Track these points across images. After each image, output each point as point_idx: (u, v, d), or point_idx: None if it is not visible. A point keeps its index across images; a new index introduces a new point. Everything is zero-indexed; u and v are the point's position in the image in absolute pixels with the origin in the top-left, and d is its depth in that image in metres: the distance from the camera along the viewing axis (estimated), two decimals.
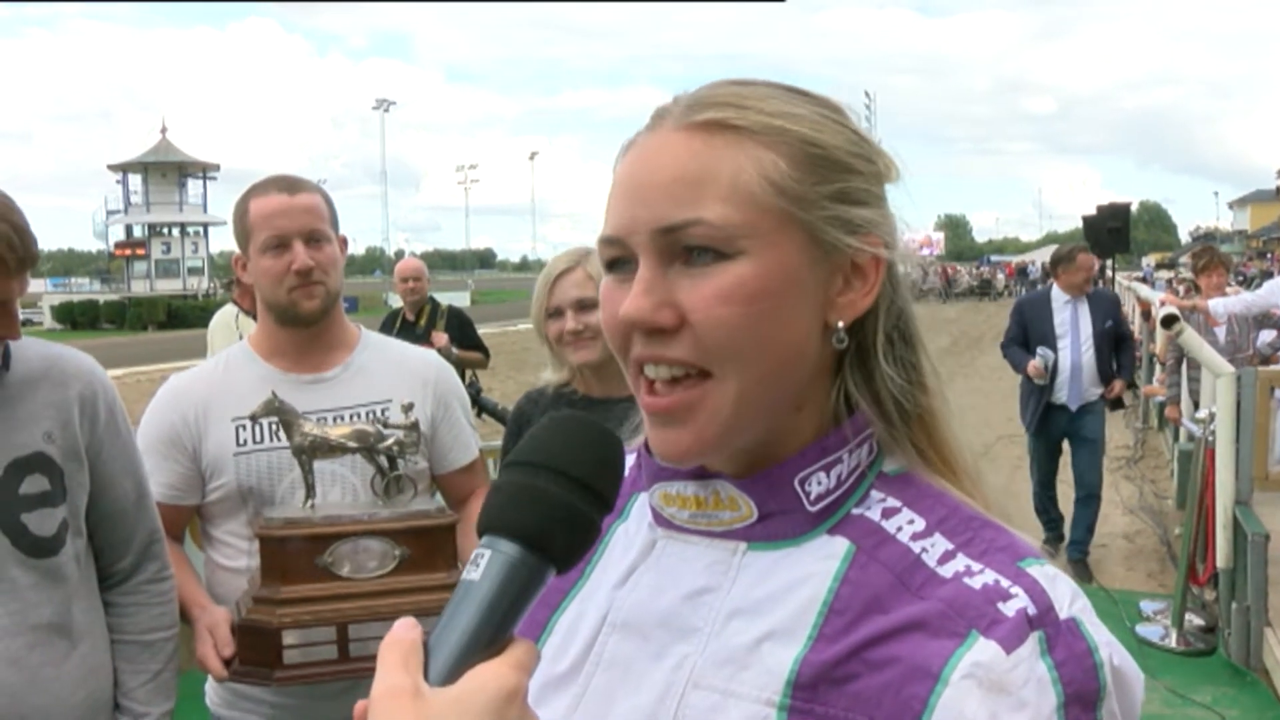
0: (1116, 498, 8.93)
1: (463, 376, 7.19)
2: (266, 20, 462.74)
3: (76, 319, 53.85)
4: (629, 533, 0.97)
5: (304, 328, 2.24)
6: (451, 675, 0.71)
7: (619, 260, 0.86)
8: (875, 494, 0.88)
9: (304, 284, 2.18)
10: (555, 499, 0.76)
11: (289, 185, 2.23)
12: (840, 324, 0.86)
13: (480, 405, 7.12)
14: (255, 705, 2.15)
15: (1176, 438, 8.56)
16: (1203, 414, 5.76)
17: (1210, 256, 7.86)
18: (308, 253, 2.17)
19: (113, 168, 62.77)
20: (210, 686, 2.25)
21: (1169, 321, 5.86)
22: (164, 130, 61.70)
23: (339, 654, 1.95)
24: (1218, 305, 7.18)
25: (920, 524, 0.85)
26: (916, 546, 0.84)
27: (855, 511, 0.87)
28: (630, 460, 0.97)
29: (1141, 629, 5.77)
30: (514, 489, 0.77)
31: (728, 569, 0.87)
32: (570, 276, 2.58)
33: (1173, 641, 5.60)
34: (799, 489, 0.87)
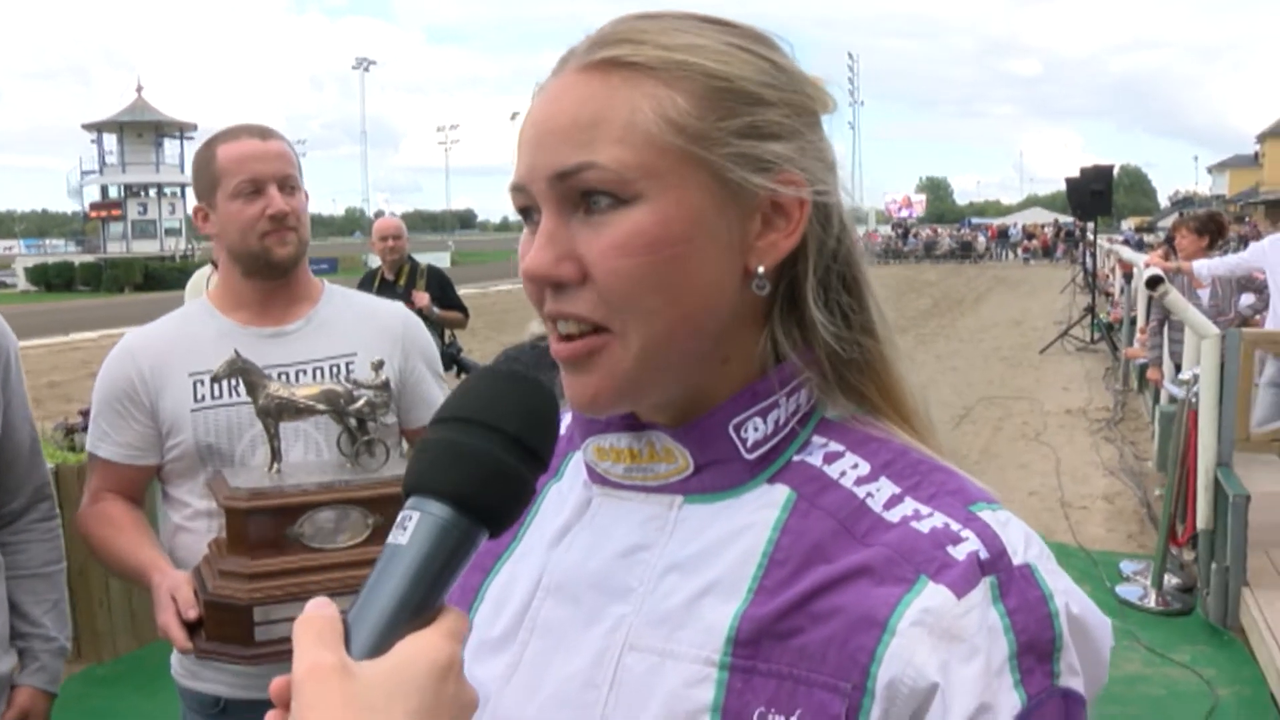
0: (1097, 459, 8.98)
1: (443, 337, 7.13)
2: None
3: (51, 281, 53.42)
4: (563, 493, 0.93)
5: (271, 279, 2.17)
6: (378, 648, 0.66)
7: (527, 209, 0.82)
8: (817, 439, 0.84)
9: (278, 229, 2.13)
10: (486, 457, 0.71)
11: (260, 131, 2.17)
12: (760, 269, 0.80)
13: (461, 365, 7.05)
14: (219, 674, 2.09)
15: (1157, 400, 8.59)
16: (1186, 375, 5.76)
17: (1196, 221, 7.90)
18: (282, 198, 2.13)
19: (87, 127, 61.87)
20: (175, 657, 2.19)
21: (1154, 283, 5.84)
22: (140, 89, 60.88)
23: None
24: (1202, 267, 7.20)
25: (865, 468, 0.82)
26: (861, 491, 0.80)
27: (796, 458, 0.83)
28: (566, 420, 0.93)
29: (1121, 589, 5.81)
30: (442, 446, 0.72)
31: (664, 524, 0.83)
32: None
33: (1152, 602, 5.64)
34: (734, 436, 0.83)
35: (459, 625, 0.69)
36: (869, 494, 0.80)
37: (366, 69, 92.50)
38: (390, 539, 0.70)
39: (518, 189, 0.82)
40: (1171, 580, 5.82)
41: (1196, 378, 5.61)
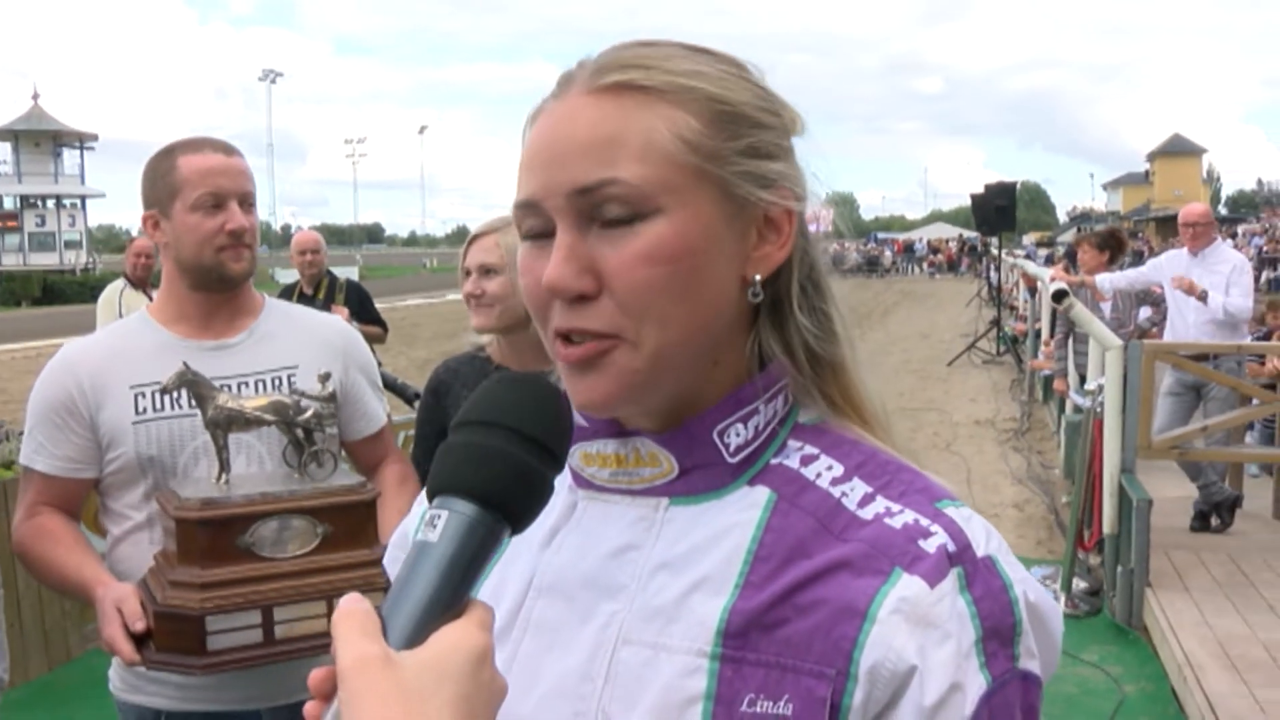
0: (1005, 468, 9.24)
1: None
2: None
3: None
4: None
5: (220, 292, 2.18)
6: (414, 640, 0.69)
7: (536, 225, 0.85)
8: (793, 443, 0.90)
9: (235, 245, 2.14)
10: (510, 457, 0.75)
11: (224, 147, 2.19)
12: (757, 278, 0.87)
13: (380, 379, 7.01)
14: (160, 688, 2.08)
15: (1062, 410, 8.85)
16: (1091, 386, 5.96)
17: (1097, 237, 8.16)
18: (242, 215, 2.14)
19: None
20: (114, 670, 2.17)
21: (1059, 296, 6.04)
22: (36, 96, 59.12)
23: (264, 637, 1.89)
24: (1104, 281, 7.43)
25: (839, 469, 0.87)
26: (836, 491, 0.85)
27: (774, 461, 0.88)
28: None
29: None
30: (467, 448, 0.76)
31: (650, 525, 0.88)
32: (483, 241, 2.60)
33: (1062, 605, 5.81)
34: (718, 441, 0.87)
35: (488, 616, 0.72)
36: (843, 493, 0.85)
37: (273, 80, 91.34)
38: (419, 536, 0.74)
39: (528, 205, 0.85)
40: (1080, 584, 6.01)
41: (1101, 388, 5.81)
